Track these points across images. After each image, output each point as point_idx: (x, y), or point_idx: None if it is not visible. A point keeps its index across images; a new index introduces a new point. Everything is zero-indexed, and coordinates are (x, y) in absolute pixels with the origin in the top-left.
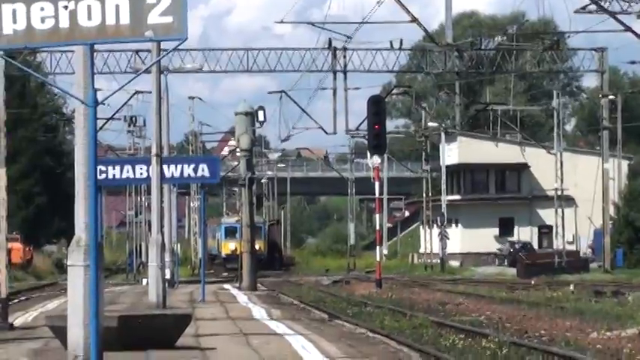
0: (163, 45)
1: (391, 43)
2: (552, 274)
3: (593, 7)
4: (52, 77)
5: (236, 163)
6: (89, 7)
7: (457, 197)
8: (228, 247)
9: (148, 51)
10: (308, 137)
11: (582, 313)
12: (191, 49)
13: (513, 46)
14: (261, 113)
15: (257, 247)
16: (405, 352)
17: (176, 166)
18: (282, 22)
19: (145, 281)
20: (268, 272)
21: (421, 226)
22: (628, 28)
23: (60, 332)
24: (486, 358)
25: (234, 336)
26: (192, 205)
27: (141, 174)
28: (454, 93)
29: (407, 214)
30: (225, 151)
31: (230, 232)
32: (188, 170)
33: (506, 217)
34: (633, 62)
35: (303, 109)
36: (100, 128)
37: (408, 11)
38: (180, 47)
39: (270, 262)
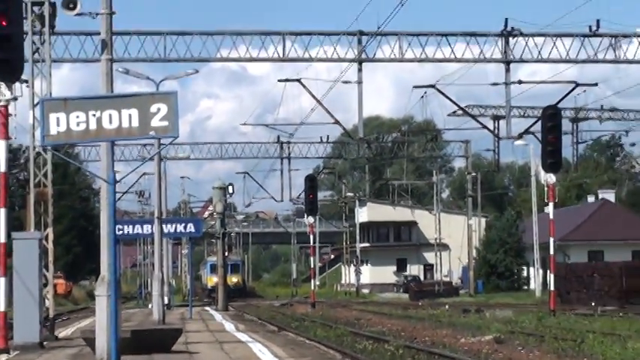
0: (162, 141)
1: (321, 138)
2: (433, 297)
3: (460, 112)
4: (85, 163)
5: (213, 222)
6: (110, 115)
7: (367, 244)
8: (213, 280)
9: (152, 145)
10: (263, 204)
11: (454, 325)
12: (182, 143)
13: (405, 139)
14: (230, 188)
15: (236, 280)
16: (332, 353)
17: (172, 225)
18: (245, 124)
19: (150, 305)
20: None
21: (342, 265)
22: (484, 126)
23: (90, 342)
24: (388, 357)
25: (212, 343)
26: (183, 251)
27: (147, 230)
28: (364, 172)
29: (332, 256)
30: (206, 214)
31: (214, 268)
32: (180, 227)
33: (401, 258)
34: (488, 150)
35: (260, 185)
36: (118, 199)
37: (332, 116)
38: (174, 142)
39: (239, 292)
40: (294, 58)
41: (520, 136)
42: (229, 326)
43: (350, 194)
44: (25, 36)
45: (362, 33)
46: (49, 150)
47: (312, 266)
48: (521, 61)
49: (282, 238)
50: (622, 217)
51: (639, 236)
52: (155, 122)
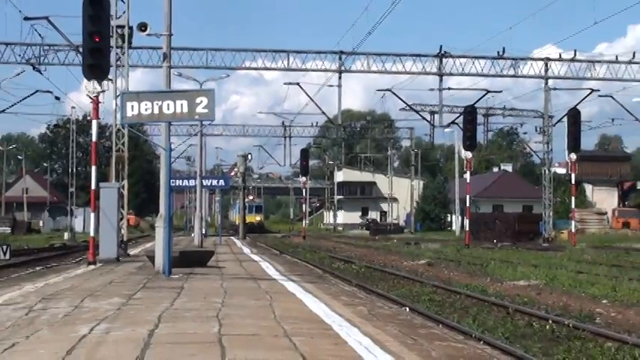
0: (204, 122)
1: (312, 123)
2: (386, 234)
3: (408, 108)
4: (151, 136)
5: (237, 179)
6: (168, 104)
7: (342, 197)
8: (239, 218)
9: (196, 125)
10: (272, 167)
11: (400, 252)
12: (217, 124)
13: (369, 126)
14: (249, 156)
15: (259, 218)
16: (316, 270)
17: (208, 180)
18: (260, 112)
19: (192, 234)
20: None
21: (324, 210)
22: (424, 118)
23: (151, 258)
24: (354, 273)
25: (234, 261)
26: (216, 198)
27: (192, 183)
28: (341, 147)
29: (318, 204)
30: (232, 173)
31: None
32: (214, 182)
33: (365, 207)
34: (426, 134)
35: (269, 154)
36: (173, 162)
37: (320, 109)
38: (211, 124)
39: (259, 228)
40: (296, 68)
41: (448, 126)
42: (246, 250)
43: (331, 162)
44: (110, 49)
45: (342, 52)
46: (126, 127)
47: (303, 211)
48: (450, 74)
49: (284, 191)
50: (516, 182)
51: (528, 195)
52: (199, 109)
